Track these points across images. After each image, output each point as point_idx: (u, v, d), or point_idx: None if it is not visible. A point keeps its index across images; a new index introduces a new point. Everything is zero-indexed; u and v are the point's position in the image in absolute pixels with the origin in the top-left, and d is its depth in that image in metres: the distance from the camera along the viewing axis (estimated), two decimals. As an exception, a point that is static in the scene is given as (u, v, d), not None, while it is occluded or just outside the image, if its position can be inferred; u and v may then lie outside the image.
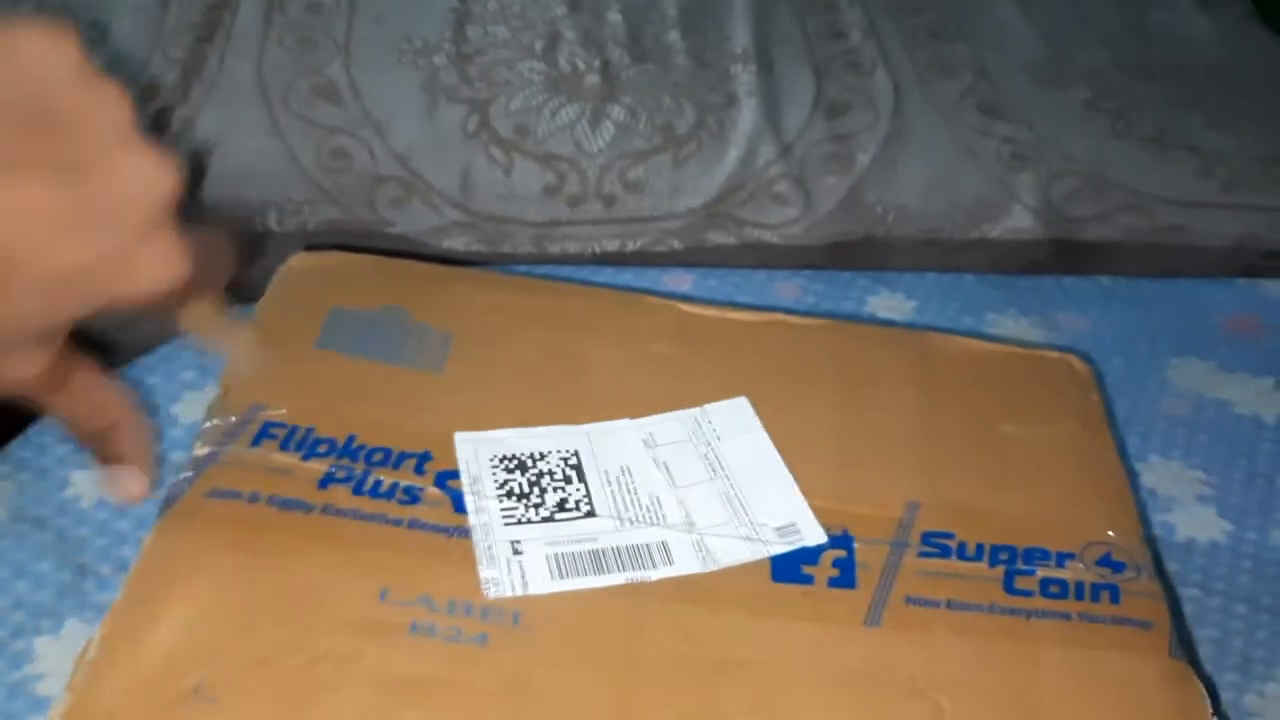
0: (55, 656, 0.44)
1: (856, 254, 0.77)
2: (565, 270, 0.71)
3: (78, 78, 0.32)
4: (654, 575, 0.40)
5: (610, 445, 0.44)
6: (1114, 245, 0.78)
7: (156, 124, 0.73)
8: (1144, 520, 0.48)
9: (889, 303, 0.67)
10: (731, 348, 0.47)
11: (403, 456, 0.43)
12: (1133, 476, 0.57)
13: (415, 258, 0.59)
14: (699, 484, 0.43)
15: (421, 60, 0.78)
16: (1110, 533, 0.43)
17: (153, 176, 0.34)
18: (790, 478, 0.44)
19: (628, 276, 0.70)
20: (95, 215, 0.32)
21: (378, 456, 0.43)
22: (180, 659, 0.36)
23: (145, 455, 0.36)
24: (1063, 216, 0.79)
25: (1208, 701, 0.39)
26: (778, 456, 0.44)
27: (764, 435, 0.45)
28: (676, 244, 0.77)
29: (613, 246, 0.77)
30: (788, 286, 0.68)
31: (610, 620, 0.39)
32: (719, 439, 0.45)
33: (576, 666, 0.37)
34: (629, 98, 0.78)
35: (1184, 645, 0.42)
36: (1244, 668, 0.50)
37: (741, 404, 0.46)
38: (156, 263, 0.34)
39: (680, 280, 0.70)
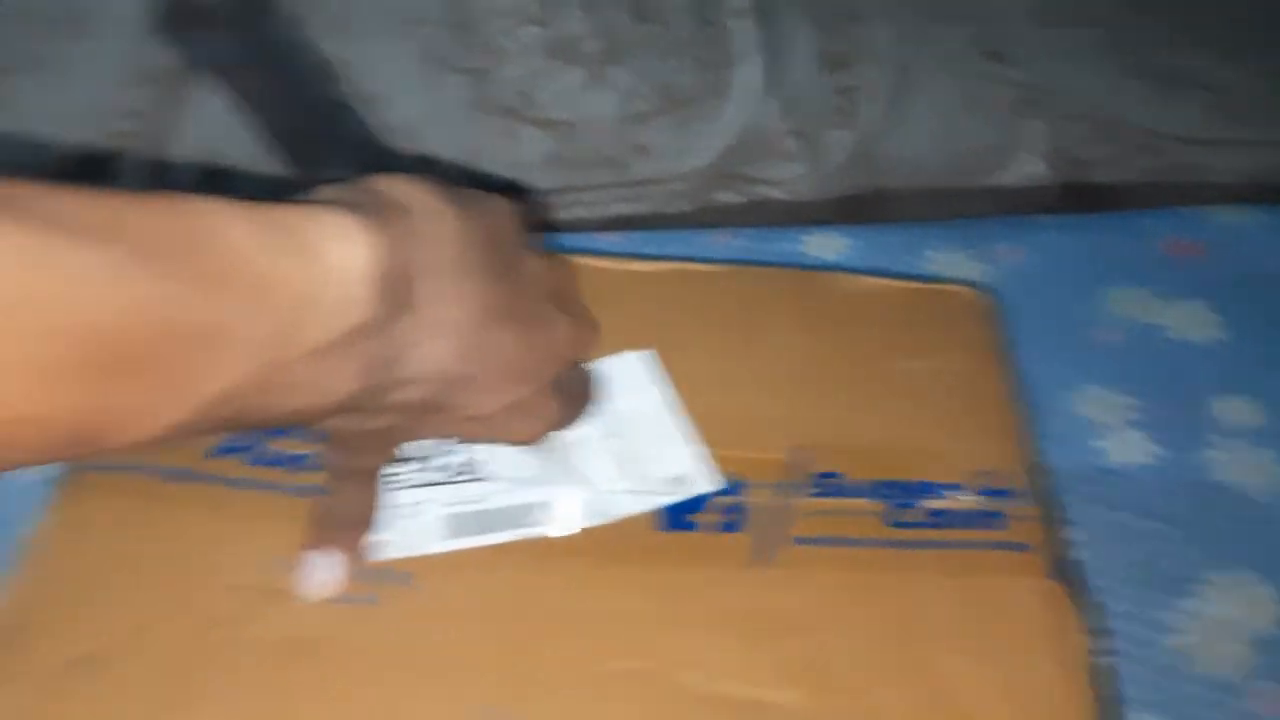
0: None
1: (866, 207, 0.77)
2: (582, 238, 0.71)
3: (521, 240, 0.37)
4: (543, 532, 0.41)
5: None
6: (1126, 187, 0.78)
7: (162, 106, 0.73)
8: (1038, 447, 0.49)
9: (824, 241, 0.67)
10: (629, 298, 0.47)
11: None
12: (1064, 404, 0.58)
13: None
14: (590, 441, 0.43)
15: (415, 30, 0.78)
16: (992, 461, 0.44)
17: (577, 335, 0.39)
18: (686, 427, 0.44)
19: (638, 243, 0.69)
20: (532, 366, 0.37)
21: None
22: (70, 630, 0.37)
23: (355, 559, 0.39)
24: (1074, 160, 0.78)
25: (1078, 617, 0.40)
26: (677, 407, 0.45)
27: (667, 386, 0.45)
28: (685, 205, 0.77)
29: (621, 210, 0.77)
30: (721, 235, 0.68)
31: (499, 577, 0.39)
32: (617, 395, 0.45)
33: (466, 622, 0.38)
34: (630, 60, 0.78)
35: (1063, 565, 0.42)
36: (1168, 586, 0.52)
37: (648, 356, 0.46)
38: (545, 414, 0.39)
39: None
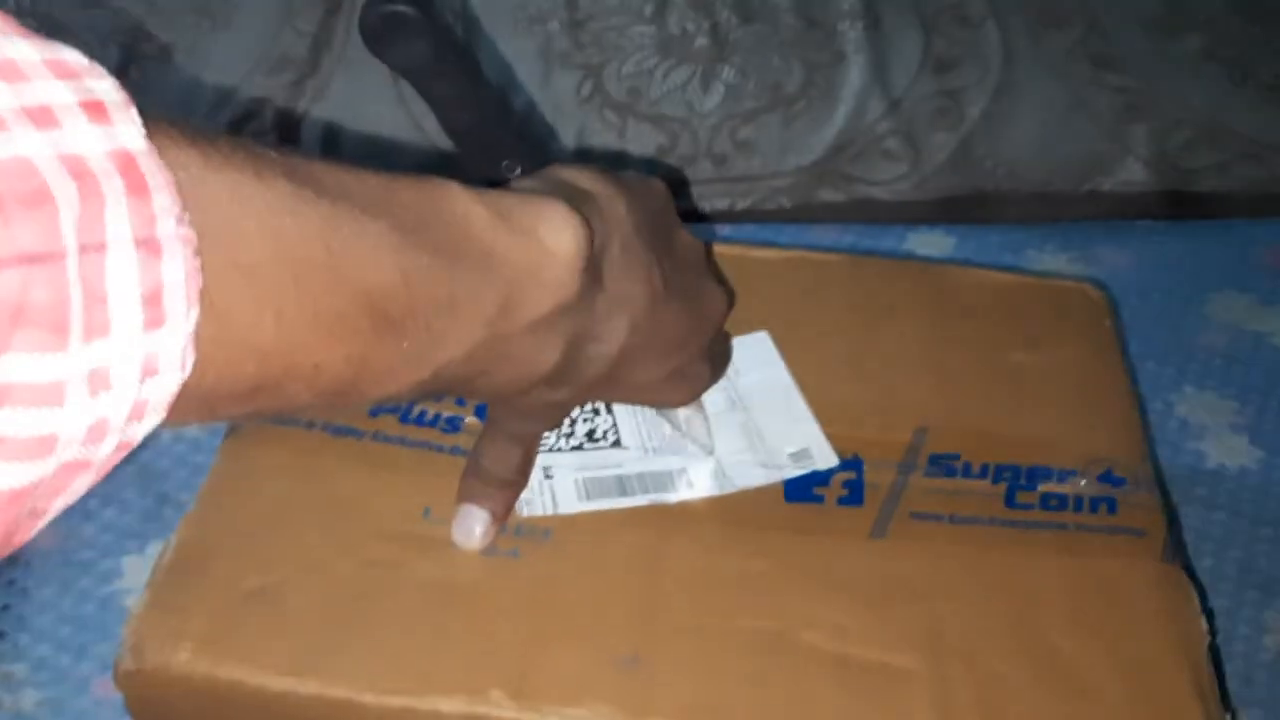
0: (140, 573, 0.48)
1: (966, 209, 0.78)
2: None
3: (675, 218, 0.40)
4: (674, 498, 0.43)
5: None
6: (1229, 195, 0.78)
7: (291, 93, 0.77)
8: (1151, 441, 0.50)
9: (928, 239, 0.69)
10: (753, 284, 0.49)
11: None
12: (1164, 406, 0.60)
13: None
14: (718, 414, 0.46)
15: (536, 27, 0.81)
16: (1109, 451, 0.45)
17: (723, 305, 0.42)
18: (805, 406, 0.46)
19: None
20: (690, 334, 0.40)
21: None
22: (245, 564, 0.40)
23: (503, 516, 0.42)
24: (1177, 168, 0.78)
25: (1197, 601, 0.41)
26: (794, 387, 0.47)
27: (782, 367, 0.47)
28: (786, 201, 0.79)
29: (723, 205, 0.79)
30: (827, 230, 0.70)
31: (633, 537, 0.42)
32: (738, 372, 0.47)
33: (601, 576, 0.41)
34: (738, 58, 0.80)
35: (1178, 552, 0.44)
36: (1267, 586, 0.53)
37: (761, 338, 0.48)
38: (698, 378, 0.42)
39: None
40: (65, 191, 0.18)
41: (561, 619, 0.39)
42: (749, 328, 0.49)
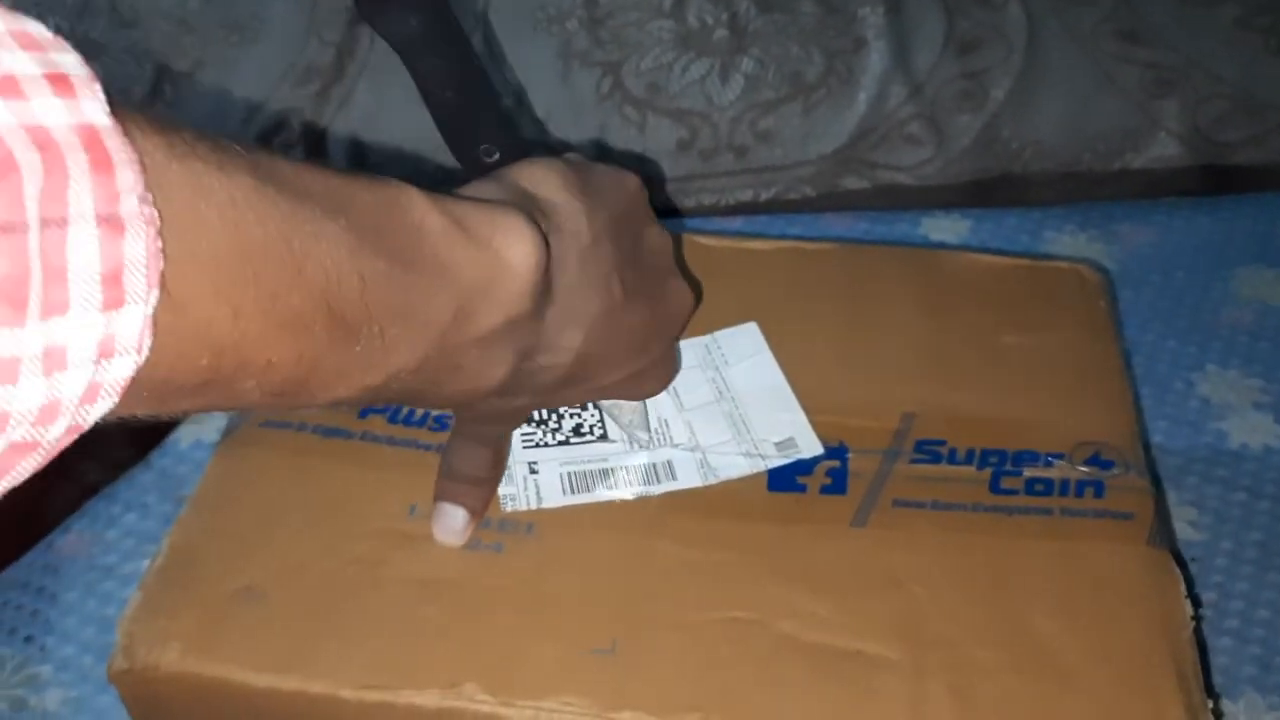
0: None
1: (994, 191, 0.77)
2: (700, 222, 0.73)
3: (644, 216, 0.40)
4: (658, 490, 0.44)
5: None
6: (1266, 169, 0.76)
7: (317, 103, 0.79)
8: (1141, 423, 0.49)
9: (944, 224, 0.68)
10: (743, 275, 0.49)
11: None
12: (1185, 386, 0.59)
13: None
14: (705, 405, 0.46)
15: (555, 27, 0.81)
16: (1098, 433, 0.44)
17: (688, 302, 0.43)
18: (792, 396, 0.46)
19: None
20: (652, 335, 0.40)
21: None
22: (234, 564, 0.41)
23: (481, 511, 0.42)
24: (1211, 141, 0.76)
25: (1182, 585, 0.40)
26: (781, 376, 0.47)
27: (770, 357, 0.47)
28: (809, 190, 0.79)
29: (746, 197, 0.79)
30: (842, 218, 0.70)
31: (615, 530, 0.42)
32: (727, 363, 0.47)
33: (582, 569, 0.41)
34: (757, 49, 0.79)
35: (1165, 535, 0.43)
36: None
37: (750, 329, 0.48)
38: (663, 374, 0.43)
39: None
40: (29, 161, 0.18)
41: (541, 612, 0.40)
42: (739, 318, 0.49)
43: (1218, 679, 0.49)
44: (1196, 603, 0.40)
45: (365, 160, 0.79)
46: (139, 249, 0.20)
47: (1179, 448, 0.57)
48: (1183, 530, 0.54)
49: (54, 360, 0.19)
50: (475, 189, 0.34)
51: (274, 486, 0.43)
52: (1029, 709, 0.37)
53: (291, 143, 0.79)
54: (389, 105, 0.79)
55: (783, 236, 0.54)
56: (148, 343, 0.21)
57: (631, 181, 0.40)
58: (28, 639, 0.50)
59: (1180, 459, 0.57)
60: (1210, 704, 0.38)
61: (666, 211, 0.77)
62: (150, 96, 0.79)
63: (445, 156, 0.77)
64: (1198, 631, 0.39)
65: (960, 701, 0.37)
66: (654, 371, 0.42)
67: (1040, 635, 0.39)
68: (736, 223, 0.73)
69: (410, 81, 0.78)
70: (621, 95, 0.79)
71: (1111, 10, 0.81)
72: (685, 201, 0.77)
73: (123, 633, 0.39)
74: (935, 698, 0.37)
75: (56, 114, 0.19)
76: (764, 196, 0.79)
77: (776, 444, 0.45)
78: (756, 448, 0.44)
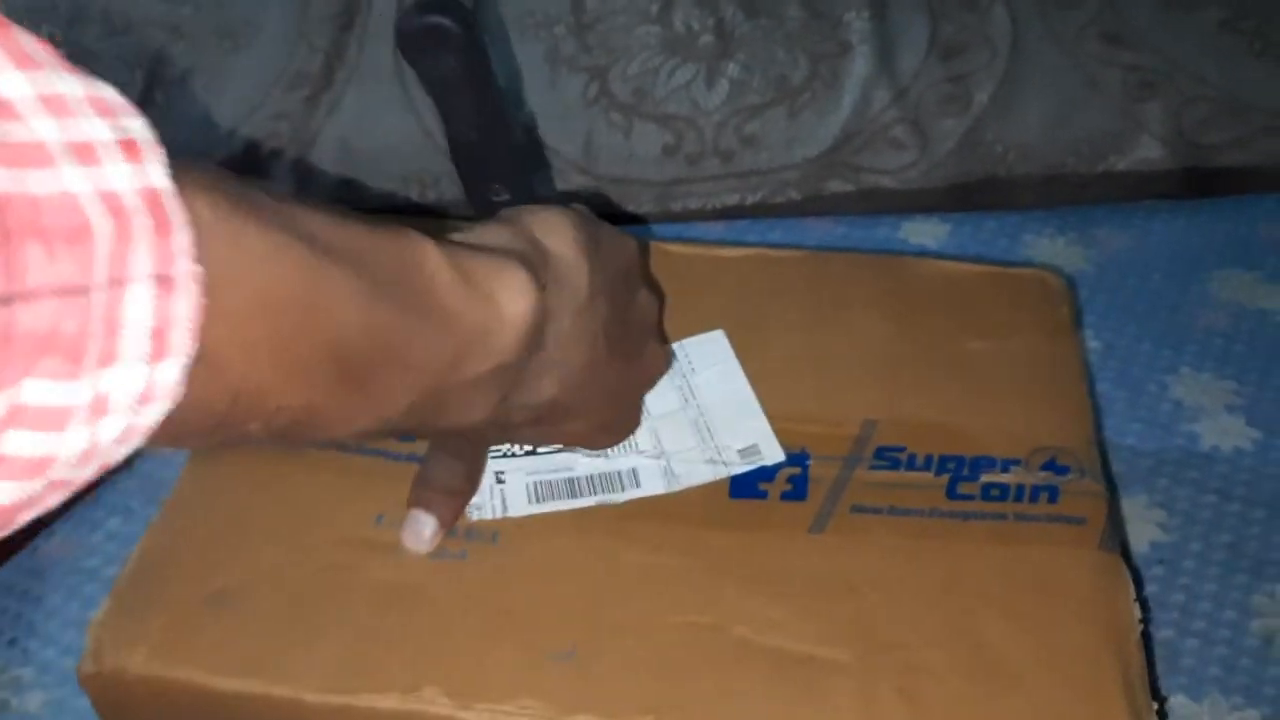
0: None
1: (977, 195, 0.77)
2: (682, 227, 0.74)
3: (639, 278, 0.42)
4: (622, 498, 0.44)
5: None
6: (1250, 171, 0.76)
7: (307, 108, 0.80)
8: (1099, 427, 0.50)
9: (923, 229, 0.69)
10: (711, 283, 0.50)
11: None
12: (1158, 389, 0.59)
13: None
14: (671, 413, 0.46)
15: (543, 32, 0.82)
16: (1055, 439, 0.45)
17: (662, 365, 0.45)
18: (757, 403, 0.47)
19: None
20: (625, 392, 0.42)
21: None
22: (203, 570, 0.42)
23: (450, 521, 0.43)
24: (1195, 144, 0.76)
25: (1131, 588, 0.41)
26: (747, 384, 0.47)
27: (736, 365, 0.48)
28: (795, 194, 0.79)
29: (732, 201, 0.79)
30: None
31: (578, 538, 0.43)
32: (694, 370, 0.48)
33: (544, 577, 0.42)
34: (743, 54, 0.80)
35: (1116, 539, 0.43)
36: (1257, 569, 0.52)
37: (717, 336, 0.49)
38: (624, 429, 0.45)
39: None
40: (103, 228, 0.19)
41: (502, 618, 0.41)
42: (706, 326, 0.49)
43: (1183, 680, 0.50)
44: (1145, 606, 0.41)
45: (352, 163, 0.79)
46: (186, 306, 0.21)
47: (1151, 449, 0.57)
48: (1152, 532, 0.54)
49: (99, 407, 0.20)
50: (488, 232, 0.35)
51: (245, 494, 0.44)
52: (975, 711, 0.38)
53: (281, 147, 0.80)
54: (376, 111, 0.80)
55: (756, 243, 0.55)
56: (182, 389, 0.22)
57: (632, 245, 0.42)
58: (11, 642, 0.52)
59: (1151, 460, 0.57)
60: (1156, 706, 0.38)
61: (652, 217, 0.78)
62: (142, 103, 0.80)
63: (428, 161, 0.78)
64: (1145, 634, 0.40)
65: (909, 704, 0.38)
66: (617, 426, 0.44)
67: (989, 638, 0.39)
68: (720, 227, 0.73)
69: (396, 88, 0.79)
70: (608, 100, 0.79)
71: (1095, 13, 0.81)
72: (671, 206, 0.78)
73: (92, 636, 0.39)
74: (884, 700, 0.38)
75: (126, 179, 0.20)
76: (750, 200, 0.79)
77: (740, 451, 0.45)
78: (720, 454, 0.45)
